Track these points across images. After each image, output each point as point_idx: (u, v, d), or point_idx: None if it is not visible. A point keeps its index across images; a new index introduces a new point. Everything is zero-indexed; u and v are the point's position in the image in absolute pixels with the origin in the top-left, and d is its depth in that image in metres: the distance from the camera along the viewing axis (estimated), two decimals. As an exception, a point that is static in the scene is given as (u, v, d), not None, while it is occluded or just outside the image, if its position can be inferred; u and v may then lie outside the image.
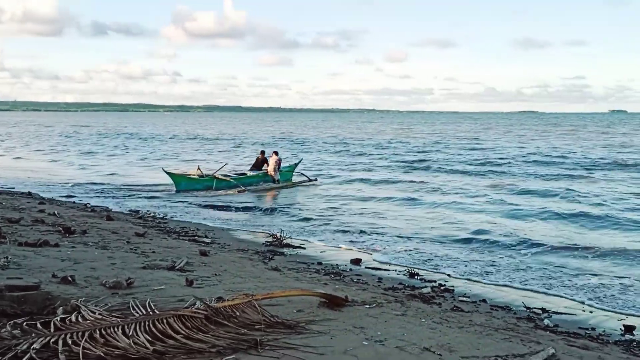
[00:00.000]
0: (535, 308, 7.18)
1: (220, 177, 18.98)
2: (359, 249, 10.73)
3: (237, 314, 4.54)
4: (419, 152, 36.55)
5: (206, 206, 15.66)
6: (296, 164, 22.50)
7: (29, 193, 16.49)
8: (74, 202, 15.40)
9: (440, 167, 26.40)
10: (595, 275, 8.80)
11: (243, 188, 18.70)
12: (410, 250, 10.55)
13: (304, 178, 21.27)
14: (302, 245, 10.83)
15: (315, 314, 5.05)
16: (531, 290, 8.07)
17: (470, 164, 27.78)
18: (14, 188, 17.96)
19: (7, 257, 6.01)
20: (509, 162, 28.18)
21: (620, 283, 8.37)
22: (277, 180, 20.00)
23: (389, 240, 11.43)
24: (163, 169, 19.76)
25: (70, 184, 20.27)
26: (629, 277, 8.65)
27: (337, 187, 20.23)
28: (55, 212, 11.45)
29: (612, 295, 7.85)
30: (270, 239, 10.99)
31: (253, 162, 21.45)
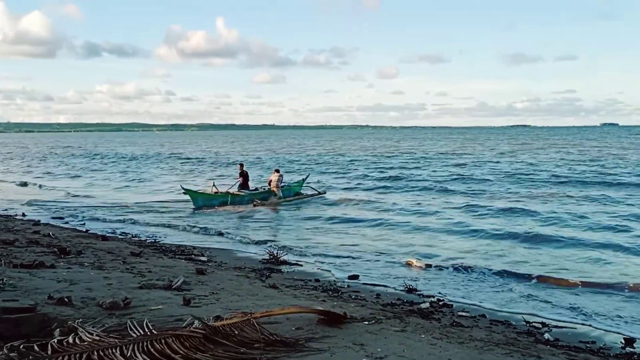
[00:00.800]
0: (535, 322, 7.16)
1: (235, 192, 19.72)
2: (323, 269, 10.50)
3: (236, 332, 4.50)
4: (400, 168, 36.25)
5: (199, 226, 15.49)
6: (304, 179, 23.52)
7: (23, 214, 16.39)
8: (67, 223, 15.30)
9: (415, 185, 25.86)
10: (570, 294, 8.75)
11: (259, 202, 19.30)
12: (379, 270, 10.37)
13: (313, 192, 22.24)
14: (299, 263, 10.78)
15: (315, 331, 5.01)
16: (513, 312, 7.86)
17: (446, 181, 27.37)
18: (7, 210, 17.83)
19: (2, 279, 5.95)
20: (486, 179, 27.57)
21: (593, 305, 8.21)
22: (279, 197, 20.51)
23: (357, 262, 11.11)
24: (182, 187, 20.13)
25: (23, 202, 20.06)
26: (603, 300, 8.53)
27: (318, 206, 19.81)
28: (50, 233, 11.39)
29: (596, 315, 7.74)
30: (266, 257, 10.93)
31: (237, 178, 21.28)
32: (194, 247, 11.96)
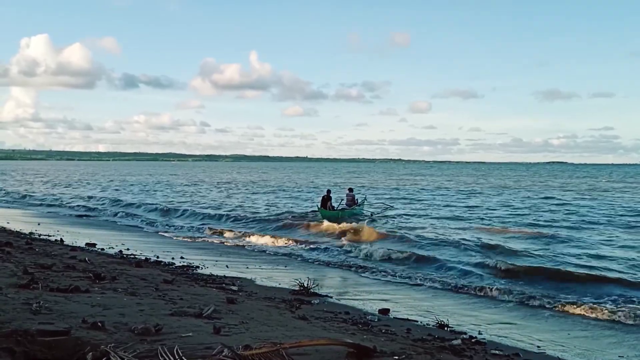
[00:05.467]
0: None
1: (342, 209, 26.13)
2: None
3: (265, 362, 4.49)
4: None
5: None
6: (364, 200, 29.51)
7: (62, 240, 16.80)
8: (102, 249, 15.61)
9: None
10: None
11: (371, 214, 26.70)
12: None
13: (385, 206, 29.27)
14: (329, 295, 10.72)
15: (344, 364, 4.95)
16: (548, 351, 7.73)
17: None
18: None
19: (39, 302, 6.09)
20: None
21: None
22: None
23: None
24: (317, 206, 26.37)
25: None
26: None
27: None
28: (86, 259, 11.61)
29: None
30: (296, 288, 10.91)
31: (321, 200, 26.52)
32: (225, 276, 12.03)
